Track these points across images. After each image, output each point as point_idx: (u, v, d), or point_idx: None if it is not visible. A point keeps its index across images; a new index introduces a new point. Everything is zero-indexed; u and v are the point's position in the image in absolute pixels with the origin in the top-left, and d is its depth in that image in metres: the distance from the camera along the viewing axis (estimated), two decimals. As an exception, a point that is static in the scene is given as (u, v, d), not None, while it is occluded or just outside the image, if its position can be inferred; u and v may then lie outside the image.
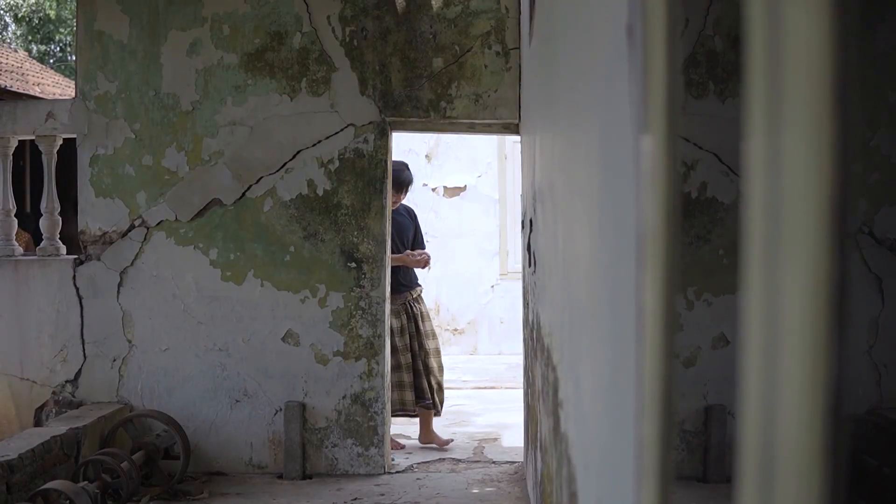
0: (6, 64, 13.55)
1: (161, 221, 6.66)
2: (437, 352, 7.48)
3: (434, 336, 7.51)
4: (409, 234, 7.56)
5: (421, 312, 7.46)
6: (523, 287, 6.57)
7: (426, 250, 7.56)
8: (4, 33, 25.59)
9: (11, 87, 11.89)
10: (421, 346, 7.35)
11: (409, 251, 7.40)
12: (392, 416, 7.08)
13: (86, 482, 5.39)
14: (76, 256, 6.73)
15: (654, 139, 1.00)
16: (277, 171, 6.62)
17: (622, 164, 1.31)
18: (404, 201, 7.70)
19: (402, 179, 7.36)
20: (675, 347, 1.02)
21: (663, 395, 0.99)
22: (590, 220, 1.88)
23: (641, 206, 1.06)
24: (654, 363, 0.99)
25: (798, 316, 0.58)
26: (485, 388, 10.22)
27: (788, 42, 0.59)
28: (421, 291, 7.62)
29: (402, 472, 6.73)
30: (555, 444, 2.97)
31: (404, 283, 7.38)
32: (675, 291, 0.98)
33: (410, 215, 7.70)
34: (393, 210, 7.13)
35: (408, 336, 7.32)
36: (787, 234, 0.60)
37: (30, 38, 24.92)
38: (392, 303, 7.08)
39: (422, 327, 7.39)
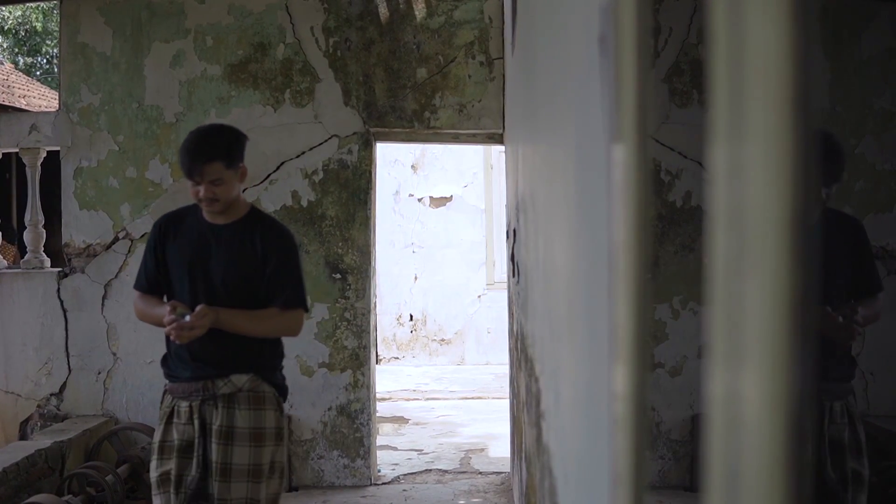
0: (-9, 76, 13.52)
1: (145, 234, 6.63)
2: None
3: (258, 475, 3.58)
4: (243, 262, 3.75)
5: (232, 428, 3.58)
6: (508, 297, 6.57)
7: (202, 309, 3.52)
8: (-10, 46, 25.54)
9: (-4, 99, 11.87)
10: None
11: (175, 303, 3.61)
12: None
13: (70, 496, 5.37)
14: (60, 269, 6.70)
15: (625, 149, 0.99)
16: (261, 182, 6.60)
17: (596, 175, 1.31)
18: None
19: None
20: (648, 359, 1.02)
21: (637, 406, 0.98)
22: (568, 230, 1.88)
23: (614, 217, 1.05)
24: (626, 375, 0.98)
25: (759, 326, 0.58)
26: (472, 398, 10.22)
27: (749, 51, 0.59)
28: (252, 384, 3.65)
29: (389, 483, 6.71)
30: (538, 455, 2.96)
31: (201, 361, 3.65)
32: (647, 303, 0.97)
33: (277, 240, 3.90)
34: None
35: (180, 464, 3.59)
36: (749, 245, 0.59)
37: (16, 50, 24.84)
38: (175, 395, 3.70)
39: (215, 455, 3.57)
